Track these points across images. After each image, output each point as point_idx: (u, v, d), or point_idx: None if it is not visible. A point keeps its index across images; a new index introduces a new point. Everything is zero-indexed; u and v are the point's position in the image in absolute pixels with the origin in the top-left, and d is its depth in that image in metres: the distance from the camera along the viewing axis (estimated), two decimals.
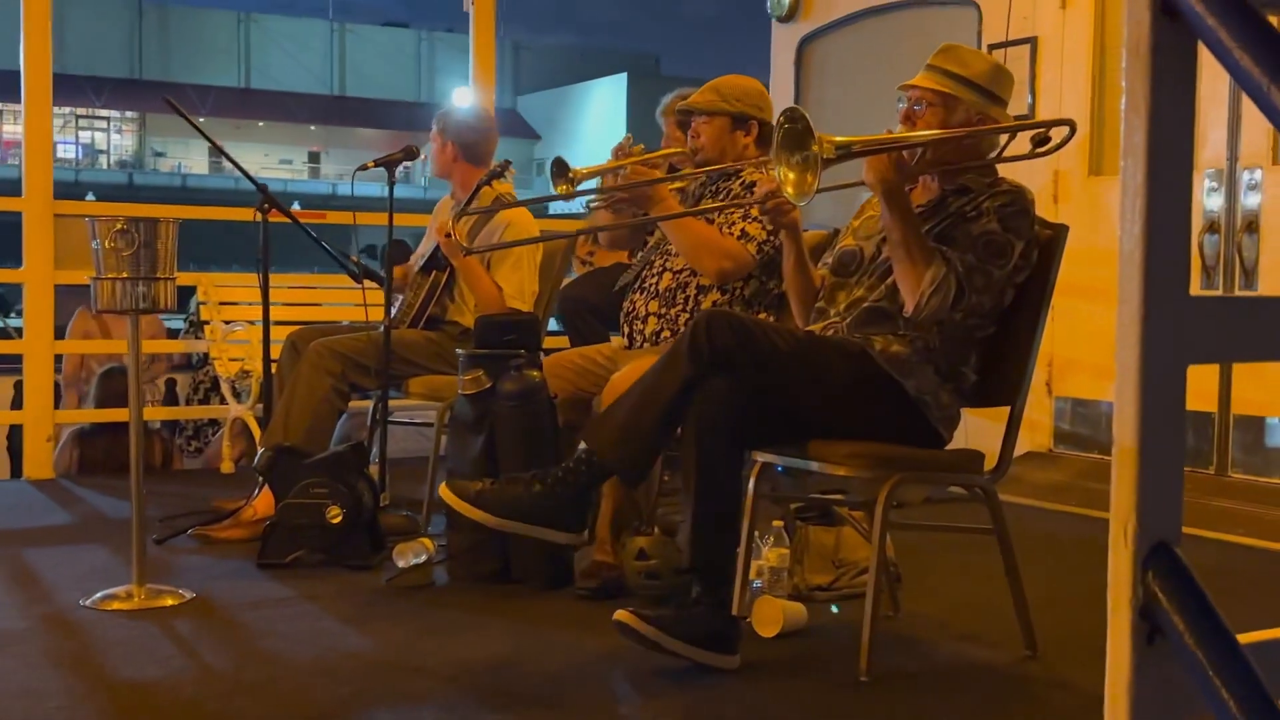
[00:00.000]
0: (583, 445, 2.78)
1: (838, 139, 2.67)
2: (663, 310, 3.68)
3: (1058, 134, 2.89)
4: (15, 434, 6.24)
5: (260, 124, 46.64)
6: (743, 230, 3.57)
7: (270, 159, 46.71)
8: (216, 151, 4.90)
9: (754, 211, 3.60)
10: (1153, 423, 0.98)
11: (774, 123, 2.79)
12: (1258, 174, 4.70)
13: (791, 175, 2.69)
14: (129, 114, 45.83)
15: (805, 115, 2.68)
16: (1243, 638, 0.98)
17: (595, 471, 2.75)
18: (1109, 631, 1.01)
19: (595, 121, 46.13)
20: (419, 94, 49.30)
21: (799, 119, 2.68)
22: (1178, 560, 0.99)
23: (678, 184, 3.84)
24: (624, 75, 45.80)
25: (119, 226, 3.18)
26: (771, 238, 3.55)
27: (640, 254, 4.02)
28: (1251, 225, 4.70)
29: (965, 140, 2.90)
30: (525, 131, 49.07)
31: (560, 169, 3.79)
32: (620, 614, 2.65)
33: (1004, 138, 3.00)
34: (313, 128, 47.32)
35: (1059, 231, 2.93)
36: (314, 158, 49.70)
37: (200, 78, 43.59)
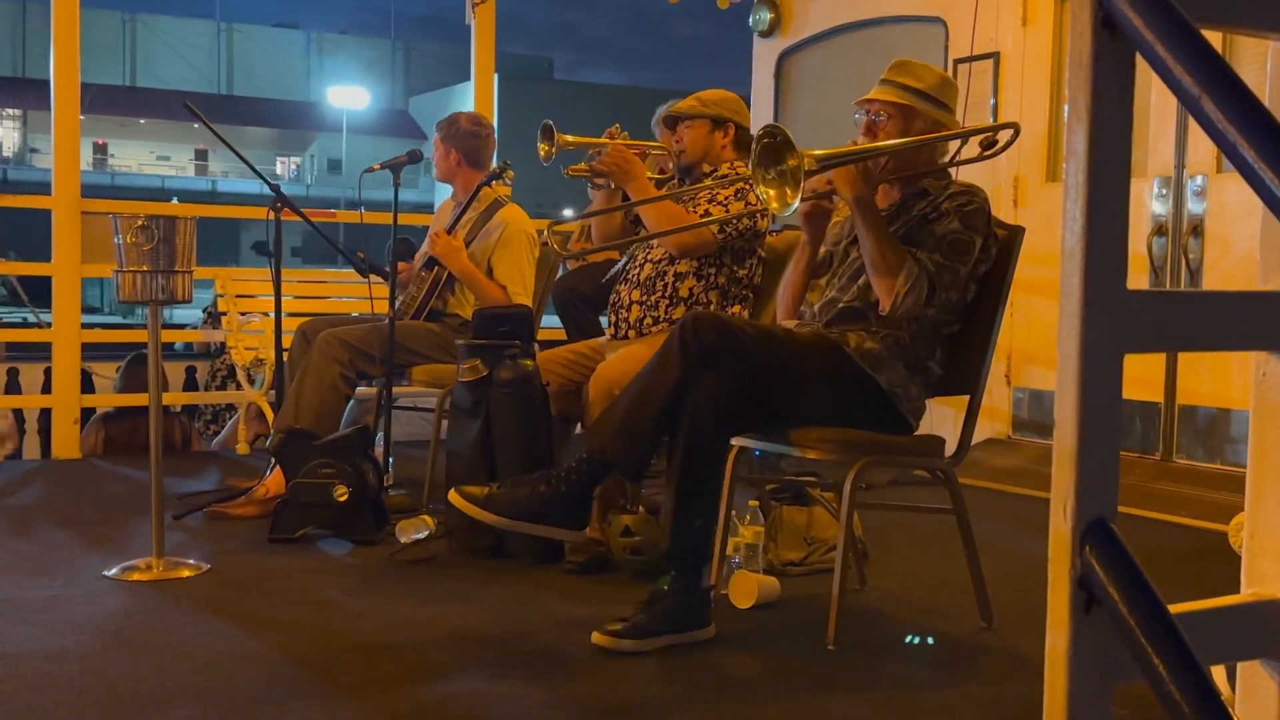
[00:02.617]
0: (584, 447, 2.78)
1: (818, 152, 2.66)
2: (644, 298, 3.74)
3: (1003, 137, 2.95)
4: (45, 417, 6.22)
5: (142, 121, 45.07)
6: (705, 211, 3.63)
7: (154, 155, 45.67)
8: (239, 157, 4.86)
9: (720, 196, 3.64)
10: (1091, 407, 0.98)
11: (751, 133, 2.78)
12: (1204, 181, 4.71)
13: (771, 191, 2.67)
14: (13, 111, 44.66)
15: (785, 131, 2.66)
16: (1173, 608, 0.99)
17: (597, 470, 2.73)
18: (1049, 601, 1.01)
19: None
20: (308, 94, 48.07)
21: (778, 134, 2.66)
22: (1113, 535, 0.99)
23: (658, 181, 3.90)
24: (495, 77, 45.24)
25: (140, 223, 3.17)
26: (735, 221, 3.59)
27: (628, 250, 4.04)
28: (1197, 229, 4.72)
29: (923, 147, 2.92)
30: (414, 132, 47.42)
31: (547, 133, 3.82)
32: (596, 639, 2.65)
33: (955, 143, 3.02)
34: (196, 125, 45.81)
35: (1016, 233, 2.94)
36: (201, 155, 48.32)
37: (84, 76, 42.83)
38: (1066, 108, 1.00)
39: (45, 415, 6.13)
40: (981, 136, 2.97)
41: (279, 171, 49.61)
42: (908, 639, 2.73)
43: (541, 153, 3.86)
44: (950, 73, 5.64)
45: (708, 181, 3.74)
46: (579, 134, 3.91)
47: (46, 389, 5.95)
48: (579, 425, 4.21)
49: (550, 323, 5.15)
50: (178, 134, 46.12)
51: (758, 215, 3.65)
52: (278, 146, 49.04)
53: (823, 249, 3.07)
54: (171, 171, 46.13)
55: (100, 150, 46.55)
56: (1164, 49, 0.96)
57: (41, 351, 6.01)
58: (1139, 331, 1.01)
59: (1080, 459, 0.98)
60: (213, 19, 49.98)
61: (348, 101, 46.83)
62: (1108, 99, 0.99)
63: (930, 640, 2.69)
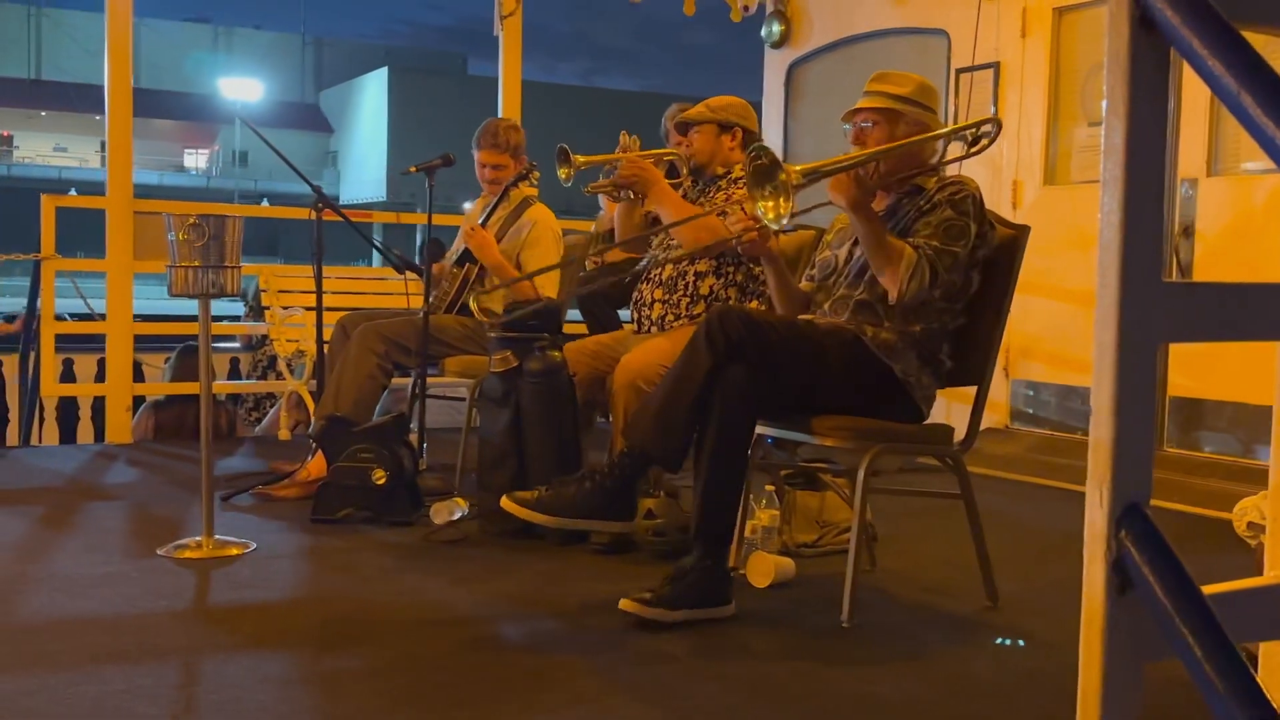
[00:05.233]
0: (622, 442, 2.75)
1: (799, 167, 2.66)
2: (666, 297, 3.71)
3: (987, 136, 2.94)
4: (99, 404, 6.22)
5: (43, 114, 43.72)
6: (722, 211, 3.60)
7: (61, 146, 44.59)
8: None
9: (736, 195, 3.62)
10: (1127, 395, 0.95)
11: (759, 135, 2.78)
12: (1195, 184, 4.66)
13: (769, 204, 2.67)
14: None
15: (770, 151, 2.69)
16: (1206, 589, 0.95)
17: (637, 463, 2.72)
18: (1084, 583, 0.98)
19: (368, 114, 44.13)
20: (214, 88, 46.56)
21: (765, 155, 2.67)
22: (1148, 520, 0.96)
23: (680, 185, 3.86)
24: (385, 70, 44.02)
25: (192, 221, 3.14)
26: (751, 222, 3.56)
27: (649, 253, 4.01)
28: (1188, 230, 4.66)
29: (911, 148, 2.89)
30: (322, 126, 46.68)
31: (564, 156, 3.77)
32: (624, 604, 2.62)
33: (943, 143, 3.00)
34: (98, 118, 44.20)
35: (1021, 232, 2.90)
36: (105, 146, 46.97)
37: None
38: (1104, 104, 0.96)
39: (99, 402, 6.13)
40: (968, 135, 2.94)
41: (187, 164, 48.18)
42: (997, 640, 2.65)
43: (561, 176, 3.82)
44: (953, 82, 5.60)
45: (721, 184, 3.72)
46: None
47: (100, 378, 5.95)
48: (603, 415, 4.19)
49: (574, 317, 5.12)
50: (81, 126, 44.77)
51: None
52: (185, 139, 47.56)
53: (827, 254, 3.05)
54: (73, 163, 44.86)
55: (5, 142, 45.16)
56: (1201, 45, 0.92)
57: (95, 343, 6.02)
58: (1173, 322, 0.97)
59: (1116, 446, 0.95)
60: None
61: (242, 93, 45.47)
62: (1145, 95, 0.95)
63: (1021, 643, 2.62)
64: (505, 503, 2.72)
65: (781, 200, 2.64)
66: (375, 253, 4.18)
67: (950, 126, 3.07)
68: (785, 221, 2.70)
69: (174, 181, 44.15)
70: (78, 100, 42.63)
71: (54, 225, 5.29)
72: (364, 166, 44.68)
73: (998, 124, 2.93)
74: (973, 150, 2.94)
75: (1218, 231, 4.61)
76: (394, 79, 43.53)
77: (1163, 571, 0.94)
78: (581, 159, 3.80)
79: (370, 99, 44.71)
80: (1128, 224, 0.94)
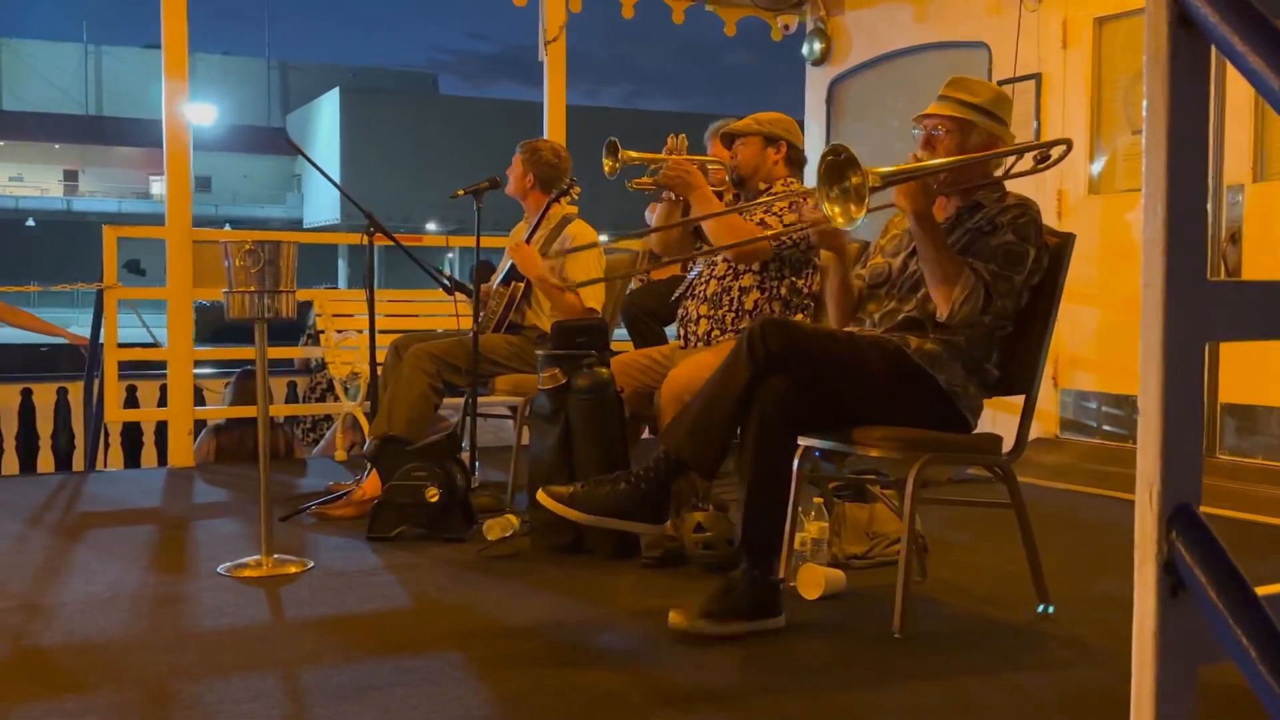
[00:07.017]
0: (661, 446, 2.74)
1: (882, 169, 2.57)
2: (711, 312, 3.71)
3: (1056, 151, 2.87)
4: (161, 428, 6.32)
5: (2, 144, 43.17)
6: (761, 220, 3.61)
7: (17, 176, 44.11)
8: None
9: (775, 208, 3.60)
10: (1174, 394, 0.93)
11: (802, 151, 2.73)
12: (1241, 190, 4.58)
13: (836, 207, 2.56)
14: None
15: (849, 149, 2.55)
16: (1259, 590, 0.93)
17: (672, 468, 2.70)
18: (1136, 585, 0.95)
19: (324, 136, 43.55)
20: None
21: (842, 152, 2.55)
22: (1199, 520, 0.93)
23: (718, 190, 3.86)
24: (336, 90, 43.65)
25: (247, 247, 3.19)
26: (789, 233, 3.55)
27: (692, 268, 4.01)
28: (1235, 235, 4.59)
29: (979, 162, 2.84)
30: (286, 149, 46.68)
31: (612, 150, 3.77)
32: (673, 619, 2.61)
33: (1011, 157, 2.94)
34: (57, 146, 43.55)
35: (1067, 240, 2.86)
36: (71, 175, 45.99)
37: None
38: (1144, 103, 0.95)
39: (161, 427, 6.22)
40: (1035, 151, 2.88)
41: (154, 192, 47.12)
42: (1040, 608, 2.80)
43: (606, 168, 3.82)
44: None
45: (762, 198, 3.71)
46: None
47: (162, 403, 6.04)
48: (649, 428, 4.18)
49: (620, 335, 5.12)
50: (41, 155, 44.48)
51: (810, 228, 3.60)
52: (149, 166, 45.96)
53: (880, 260, 3.01)
54: (32, 192, 44.37)
55: None
56: (1241, 43, 0.90)
57: (156, 369, 6.12)
58: (1219, 321, 0.95)
59: (1165, 446, 0.93)
60: (80, 41, 47.41)
61: (196, 117, 44.78)
62: (1185, 93, 0.93)
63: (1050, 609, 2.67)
64: (541, 495, 2.72)
65: (853, 205, 2.53)
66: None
67: (1022, 143, 2.99)
68: (855, 225, 2.56)
69: (133, 208, 43.60)
70: (37, 129, 42.50)
71: (115, 255, 5.38)
72: (324, 189, 43.60)
73: (1069, 145, 2.87)
74: (1039, 167, 2.88)
75: (1266, 237, 4.53)
76: (345, 100, 43.22)
77: (1215, 572, 0.91)
78: (632, 154, 3.81)
79: (326, 121, 44.49)
80: (1171, 221, 0.92)
